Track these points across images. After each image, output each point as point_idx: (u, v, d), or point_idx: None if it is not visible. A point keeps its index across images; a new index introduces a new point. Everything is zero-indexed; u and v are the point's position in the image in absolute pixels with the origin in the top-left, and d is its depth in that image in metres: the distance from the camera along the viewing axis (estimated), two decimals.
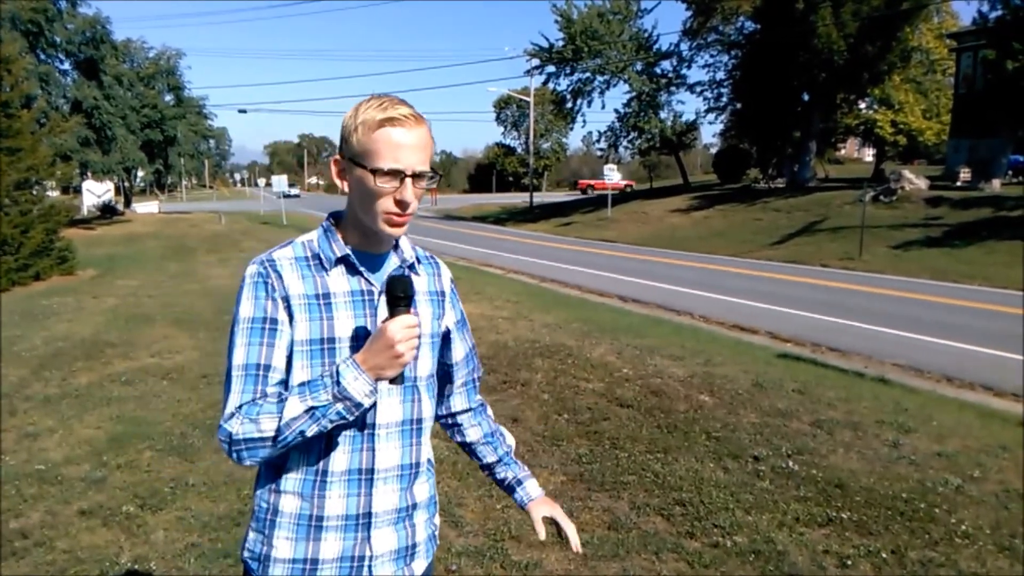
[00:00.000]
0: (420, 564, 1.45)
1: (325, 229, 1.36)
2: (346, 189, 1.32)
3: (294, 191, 71.04)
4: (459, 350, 1.54)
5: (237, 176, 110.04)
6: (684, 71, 42.30)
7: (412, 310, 1.30)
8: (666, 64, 35.30)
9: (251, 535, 1.39)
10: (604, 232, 26.39)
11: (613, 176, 30.95)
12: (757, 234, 21.52)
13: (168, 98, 40.57)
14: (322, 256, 1.33)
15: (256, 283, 1.30)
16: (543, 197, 48.46)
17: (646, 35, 34.51)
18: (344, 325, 1.30)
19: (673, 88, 35.58)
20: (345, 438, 1.32)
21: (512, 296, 10.80)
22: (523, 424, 5.00)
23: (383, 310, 1.29)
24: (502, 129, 79.72)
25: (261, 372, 1.27)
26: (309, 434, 1.23)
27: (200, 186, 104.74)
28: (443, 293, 1.48)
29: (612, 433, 4.78)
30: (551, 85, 37.47)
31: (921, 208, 20.53)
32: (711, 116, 38.63)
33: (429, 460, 1.49)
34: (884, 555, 3.22)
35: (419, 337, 1.28)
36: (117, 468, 4.19)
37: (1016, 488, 3.92)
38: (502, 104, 74.38)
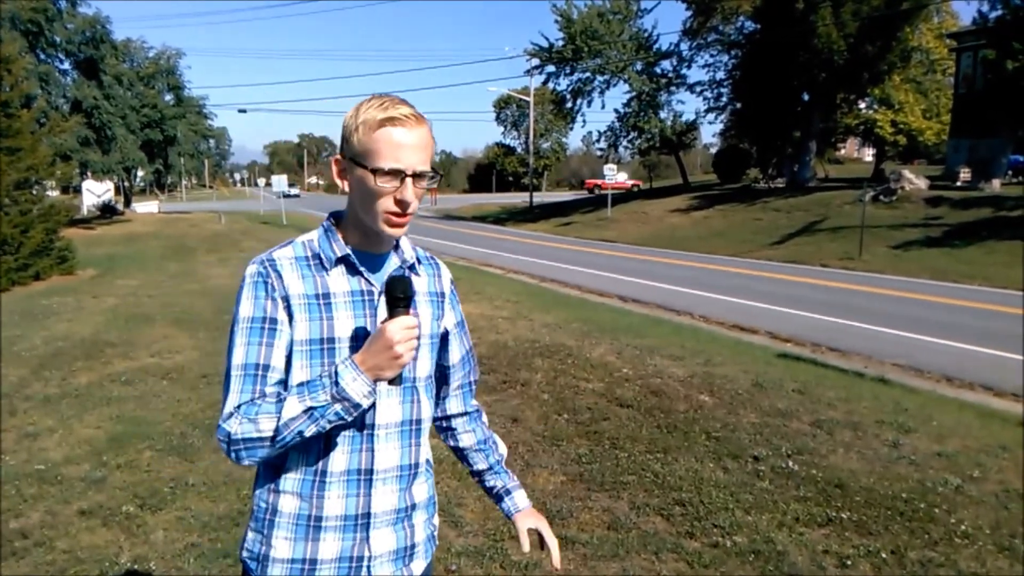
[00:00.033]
0: (419, 564, 1.45)
1: (326, 229, 1.36)
2: (347, 189, 1.31)
3: (294, 191, 71.04)
4: (456, 352, 1.54)
5: (237, 176, 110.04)
6: (684, 71, 42.41)
7: (412, 311, 1.30)
8: (666, 64, 35.37)
9: (250, 535, 1.39)
10: (604, 232, 26.39)
11: (619, 176, 31.00)
12: (757, 234, 21.52)
13: (168, 98, 40.55)
14: (322, 256, 1.33)
15: (256, 283, 1.30)
16: (543, 197, 48.47)
17: (646, 35, 34.54)
18: (344, 325, 1.30)
19: (673, 88, 35.62)
20: (344, 438, 1.31)
21: (512, 296, 10.80)
22: (523, 424, 5.00)
23: (383, 310, 1.29)
24: (502, 129, 79.89)
25: (260, 372, 1.27)
26: (308, 434, 1.23)
27: (200, 186, 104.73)
28: (443, 294, 1.48)
29: (612, 433, 4.78)
30: (551, 85, 37.53)
31: (921, 208, 20.54)
32: (711, 116, 38.73)
33: (428, 461, 1.49)
34: (884, 555, 3.22)
35: (418, 338, 1.28)
36: (117, 468, 4.19)
37: (1016, 488, 3.93)
38: (502, 104, 74.38)
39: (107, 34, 31.14)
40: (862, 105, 33.53)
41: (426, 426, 1.44)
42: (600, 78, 34.68)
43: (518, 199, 49.52)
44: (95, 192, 39.89)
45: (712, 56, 33.96)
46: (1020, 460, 4.34)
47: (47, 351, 7.18)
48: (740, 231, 22.49)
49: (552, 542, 1.55)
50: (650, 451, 4.47)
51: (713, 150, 51.96)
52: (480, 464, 1.60)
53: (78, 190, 38.19)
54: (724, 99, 33.92)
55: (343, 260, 1.33)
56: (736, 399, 5.54)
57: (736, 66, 32.09)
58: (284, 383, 1.29)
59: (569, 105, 36.66)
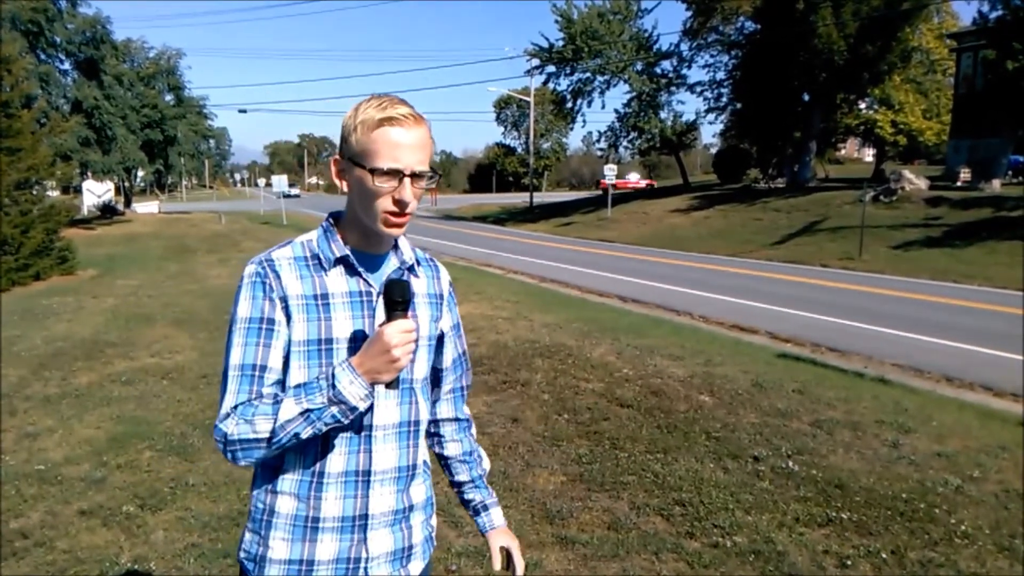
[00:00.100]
0: (417, 565, 1.45)
1: (325, 229, 1.36)
2: (345, 189, 1.31)
3: (294, 191, 71.10)
4: (449, 354, 1.53)
5: (237, 176, 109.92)
6: (684, 71, 42.34)
7: (410, 313, 1.30)
8: (666, 64, 35.33)
9: (247, 536, 1.39)
10: (604, 232, 26.39)
11: (631, 176, 31.05)
12: (757, 234, 21.52)
13: (168, 98, 40.51)
14: (321, 256, 1.33)
15: (254, 283, 1.30)
16: (543, 197, 48.46)
17: (646, 35, 34.51)
18: (342, 326, 1.30)
19: (673, 88, 35.58)
20: (342, 440, 1.31)
21: (512, 296, 10.80)
22: (523, 424, 5.00)
23: (381, 311, 1.28)
24: (502, 129, 79.98)
25: (257, 372, 1.27)
26: (304, 436, 1.23)
27: (200, 186, 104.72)
28: (441, 296, 1.48)
29: (612, 433, 4.78)
30: (551, 85, 37.49)
31: (921, 208, 20.54)
32: (711, 116, 38.73)
33: (425, 462, 1.49)
34: (884, 555, 3.22)
35: (416, 341, 1.28)
36: (117, 468, 4.19)
37: (1016, 488, 3.93)
38: (502, 104, 74.44)
39: (107, 34, 31.15)
40: (862, 105, 33.54)
41: (423, 427, 1.45)
42: (600, 78, 34.67)
43: (518, 199, 49.53)
44: (95, 192, 39.93)
45: (712, 56, 33.98)
46: (1020, 460, 4.34)
47: (47, 351, 7.19)
48: (740, 231, 22.49)
49: (519, 564, 1.55)
50: (650, 451, 4.47)
51: (713, 150, 52.04)
52: (462, 476, 1.59)
53: (78, 190, 38.20)
54: (724, 99, 33.93)
55: (342, 260, 1.33)
56: (736, 399, 5.54)
57: (736, 66, 32.08)
58: (282, 384, 1.29)
59: (569, 105, 36.66)
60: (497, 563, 1.54)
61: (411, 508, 1.42)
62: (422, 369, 1.42)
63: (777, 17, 26.20)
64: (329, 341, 1.29)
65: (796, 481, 4.01)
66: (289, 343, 1.29)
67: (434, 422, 1.57)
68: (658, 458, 4.36)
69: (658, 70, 35.32)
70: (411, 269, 1.41)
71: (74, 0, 29.51)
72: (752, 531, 3.44)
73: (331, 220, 1.38)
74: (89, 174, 34.71)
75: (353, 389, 1.21)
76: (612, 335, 7.87)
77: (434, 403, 1.55)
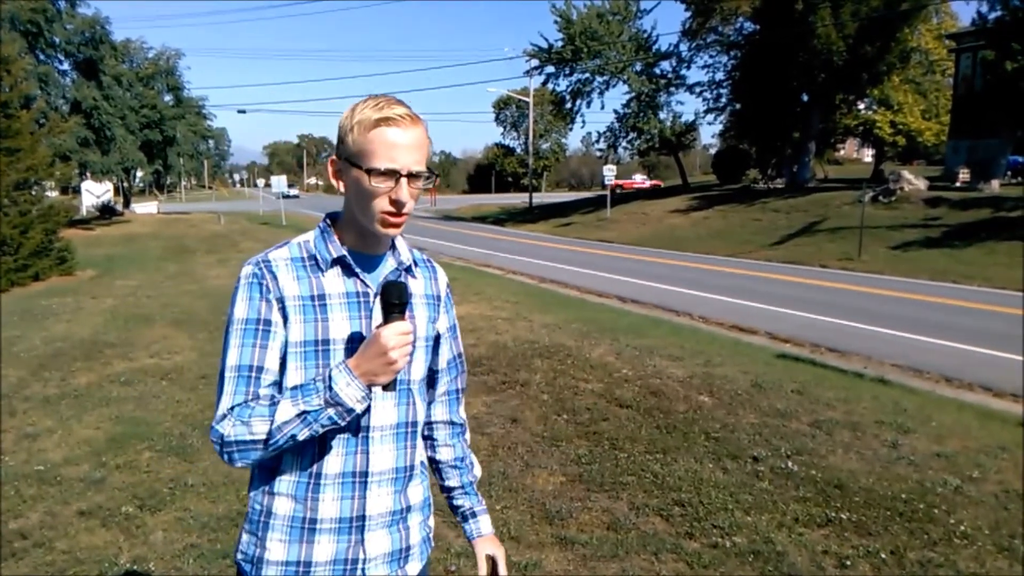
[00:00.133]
0: (414, 566, 1.44)
1: (322, 230, 1.36)
2: (342, 189, 1.31)
3: (293, 191, 71.08)
4: (444, 355, 1.52)
5: (236, 176, 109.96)
6: (683, 72, 42.26)
7: (408, 314, 1.30)
8: (665, 65, 35.35)
9: (244, 537, 1.39)
10: (603, 232, 26.40)
11: (637, 176, 31.11)
12: (756, 234, 21.53)
13: (167, 98, 40.50)
14: (318, 257, 1.33)
15: (251, 284, 1.30)
16: (542, 198, 48.47)
17: (645, 36, 34.52)
18: (339, 327, 1.30)
19: (672, 89, 35.59)
20: (339, 441, 1.31)
21: (511, 296, 10.80)
22: (522, 425, 5.00)
23: (378, 312, 1.28)
24: (501, 129, 79.92)
25: (254, 374, 1.27)
26: (300, 438, 1.23)
27: (199, 186, 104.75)
28: (439, 297, 1.48)
29: (611, 433, 4.78)
30: (550, 86, 37.49)
31: (920, 209, 20.54)
32: (710, 117, 38.65)
33: (422, 463, 1.49)
34: (883, 555, 3.22)
35: (413, 342, 1.28)
36: (116, 469, 4.19)
37: (1015, 489, 3.93)
38: (501, 104, 74.44)
39: (106, 35, 31.13)
40: (861, 106, 33.56)
41: (421, 428, 1.44)
42: (599, 79, 34.67)
43: (517, 200, 49.53)
44: (94, 193, 39.91)
45: (711, 57, 33.98)
46: (1019, 461, 4.35)
47: (46, 352, 7.18)
48: (739, 231, 22.49)
49: (504, 574, 1.55)
50: (649, 451, 4.48)
51: (712, 151, 52.05)
52: (452, 481, 1.57)
53: (77, 191, 38.19)
54: (723, 100, 33.93)
55: (339, 261, 1.32)
56: (735, 399, 5.54)
57: (735, 67, 32.09)
58: (278, 385, 1.29)
59: (568, 106, 36.65)
60: (483, 570, 1.54)
61: (408, 509, 1.42)
62: (419, 370, 1.41)
63: (776, 18, 26.21)
64: (326, 342, 1.29)
65: (795, 481, 4.01)
66: (286, 344, 1.29)
67: (428, 424, 1.56)
68: (657, 458, 4.36)
69: (657, 71, 35.35)
70: (408, 270, 1.41)
71: (73, 1, 29.51)
72: (751, 531, 3.44)
73: (328, 221, 1.38)
74: (88, 174, 34.70)
75: (350, 391, 1.21)
76: (611, 335, 7.88)
77: (429, 404, 1.55)
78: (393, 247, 1.40)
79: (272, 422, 1.22)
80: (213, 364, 6.40)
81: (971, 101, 26.12)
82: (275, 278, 1.29)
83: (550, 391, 5.74)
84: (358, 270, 1.33)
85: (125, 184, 45.02)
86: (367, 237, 1.33)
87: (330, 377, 1.22)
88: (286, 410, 1.22)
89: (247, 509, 1.39)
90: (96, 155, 31.22)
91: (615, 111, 40.92)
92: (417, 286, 1.42)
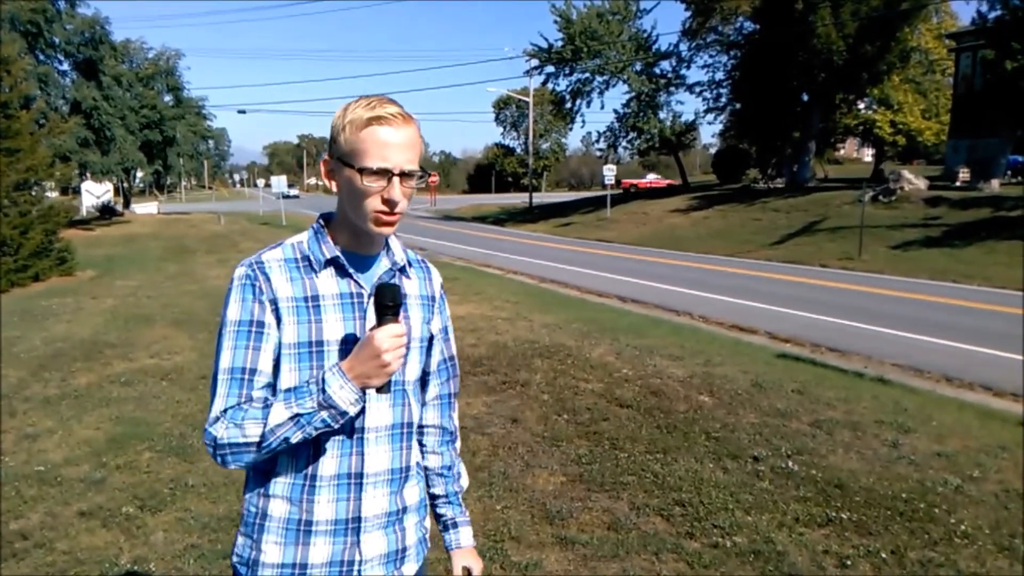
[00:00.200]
0: (411, 567, 1.44)
1: (316, 231, 1.35)
2: (335, 189, 1.31)
3: (293, 192, 71.04)
4: (436, 357, 1.51)
5: (236, 177, 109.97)
6: (683, 71, 42.35)
7: (403, 314, 1.29)
8: (665, 64, 35.35)
9: (240, 540, 1.39)
10: (603, 232, 26.39)
11: (650, 175, 31.16)
12: (756, 234, 21.52)
13: (167, 99, 40.52)
14: (311, 258, 1.32)
15: (244, 285, 1.29)
16: (543, 197, 48.47)
17: (645, 35, 34.51)
18: (333, 328, 1.29)
19: (672, 88, 35.59)
20: (334, 443, 1.31)
21: (511, 296, 10.80)
22: (523, 425, 5.00)
23: (372, 313, 1.27)
24: (501, 129, 79.88)
25: (247, 376, 1.27)
26: (294, 440, 1.23)
27: (199, 187, 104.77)
28: (433, 298, 1.47)
29: (612, 433, 4.78)
30: (550, 85, 37.49)
31: (920, 208, 20.54)
32: (710, 116, 38.68)
33: (418, 464, 1.48)
34: (884, 555, 3.22)
35: (408, 344, 1.28)
36: (116, 469, 4.19)
37: (1015, 488, 3.93)
38: (501, 104, 74.42)
39: (106, 35, 31.14)
40: (861, 105, 33.57)
41: (416, 429, 1.44)
42: (599, 78, 34.67)
43: (517, 200, 49.54)
44: (94, 193, 39.94)
45: (711, 56, 33.98)
46: (1020, 460, 4.35)
47: (46, 352, 7.18)
48: (739, 231, 22.49)
49: None
50: (650, 451, 4.47)
51: (712, 150, 52.07)
52: (437, 489, 1.54)
53: (77, 191, 38.20)
54: (723, 99, 33.93)
55: (332, 262, 1.32)
56: (736, 399, 5.54)
57: (735, 66, 32.09)
58: (272, 387, 1.29)
59: (568, 105, 36.65)
60: None
61: (404, 510, 1.42)
62: (414, 371, 1.41)
63: (776, 17, 26.20)
64: (320, 343, 1.28)
65: (796, 481, 4.01)
66: (279, 346, 1.28)
67: (419, 428, 1.54)
68: (658, 458, 4.36)
69: (657, 70, 35.35)
70: (403, 270, 1.40)
71: (73, 1, 29.51)
72: (752, 531, 3.44)
73: (321, 221, 1.37)
74: (88, 175, 34.71)
75: (343, 394, 1.21)
76: (611, 335, 7.88)
77: (421, 407, 1.53)
78: (387, 247, 1.39)
79: (265, 425, 1.21)
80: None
81: (971, 100, 26.12)
82: (268, 279, 1.29)
83: (550, 391, 5.74)
84: (352, 271, 1.32)
85: (125, 184, 45.04)
86: (360, 237, 1.32)
87: (323, 380, 1.21)
88: (279, 413, 1.21)
89: (242, 512, 1.39)
90: (96, 155, 31.24)
91: (615, 111, 41.01)
92: (411, 286, 1.42)
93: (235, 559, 1.38)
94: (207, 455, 4.05)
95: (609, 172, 31.48)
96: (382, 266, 1.37)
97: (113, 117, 31.48)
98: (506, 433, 4.83)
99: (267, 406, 1.23)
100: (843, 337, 8.54)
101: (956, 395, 6.22)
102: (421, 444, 1.55)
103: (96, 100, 30.38)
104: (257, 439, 1.22)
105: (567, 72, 34.94)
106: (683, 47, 34.05)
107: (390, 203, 1.25)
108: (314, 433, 1.23)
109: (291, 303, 1.28)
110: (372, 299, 1.27)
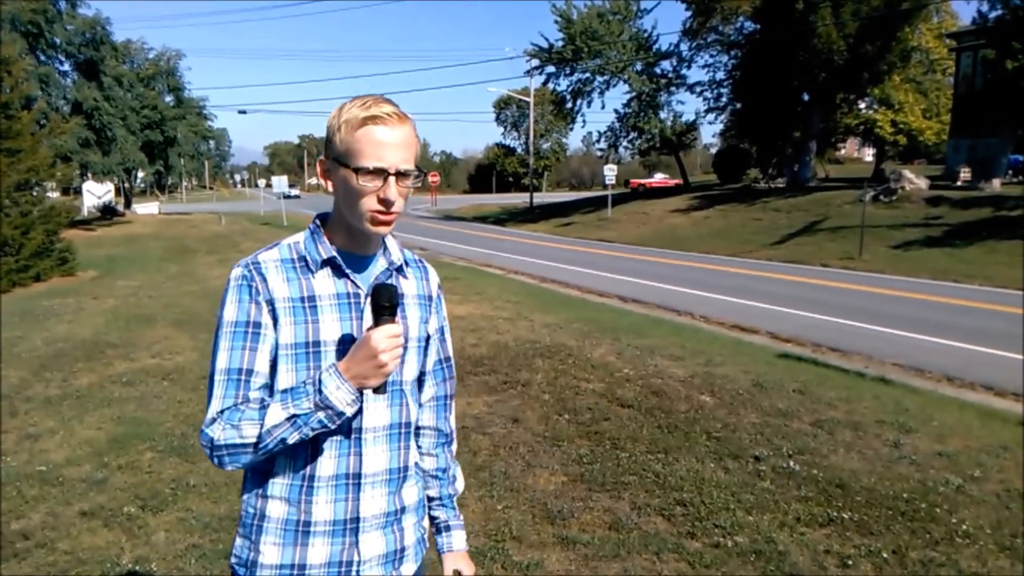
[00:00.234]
0: (409, 567, 1.44)
1: (312, 231, 1.35)
2: (331, 189, 1.31)
3: (294, 192, 71.10)
4: (432, 357, 1.50)
5: (237, 177, 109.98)
6: (684, 71, 42.36)
7: (400, 313, 1.29)
8: (666, 64, 35.36)
9: (238, 541, 1.38)
10: (604, 232, 26.39)
11: (658, 175, 31.19)
12: (757, 234, 21.52)
13: (168, 99, 40.53)
14: (308, 258, 1.32)
15: (240, 286, 1.30)
16: (543, 197, 48.46)
17: (646, 35, 34.52)
18: (329, 329, 1.29)
19: (673, 88, 35.60)
20: (332, 443, 1.30)
21: (512, 296, 10.80)
22: (523, 424, 5.00)
23: (369, 313, 1.27)
24: (502, 129, 79.94)
25: (243, 377, 1.27)
26: (291, 441, 1.23)
27: (200, 187, 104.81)
28: (430, 297, 1.47)
29: (613, 433, 4.78)
30: (551, 85, 37.50)
31: (921, 208, 20.53)
32: (711, 116, 38.79)
33: (417, 464, 1.48)
34: (885, 555, 3.22)
35: (405, 344, 1.27)
36: (118, 469, 4.19)
37: (1017, 488, 3.93)
38: (502, 104, 74.44)
39: (107, 35, 31.16)
40: (862, 105, 33.56)
41: (414, 429, 1.44)
42: (600, 78, 34.68)
43: (518, 200, 49.54)
44: (95, 193, 39.97)
45: (712, 56, 33.99)
46: (1021, 460, 4.34)
47: (48, 352, 7.19)
48: (740, 231, 22.49)
49: None
50: (651, 451, 4.47)
51: (713, 150, 52.10)
52: (432, 491, 1.53)
53: (78, 191, 38.23)
54: (724, 99, 33.94)
55: (329, 262, 1.32)
56: (737, 399, 5.54)
57: (736, 66, 32.09)
58: (269, 387, 1.29)
59: (569, 105, 36.67)
60: None
61: (403, 510, 1.41)
62: (412, 371, 1.41)
63: (776, 17, 26.20)
64: (317, 344, 1.28)
65: (797, 481, 4.01)
66: (276, 346, 1.28)
67: (416, 429, 1.53)
68: (659, 458, 4.36)
69: (658, 70, 35.36)
70: (400, 270, 1.40)
71: (74, 1, 29.53)
72: (753, 531, 3.44)
73: (318, 222, 1.37)
74: (89, 175, 34.74)
75: (340, 395, 1.21)
76: (612, 335, 7.88)
77: (418, 408, 1.52)
78: (384, 247, 1.39)
79: (262, 426, 1.21)
80: None
81: (972, 100, 26.11)
82: (265, 280, 1.29)
83: (551, 391, 5.74)
84: (348, 271, 1.32)
85: (126, 185, 45.06)
86: (357, 237, 1.32)
87: (320, 380, 1.21)
88: (276, 414, 1.21)
89: (240, 513, 1.38)
90: (97, 156, 31.25)
91: (616, 111, 41.00)
92: (409, 286, 1.41)
93: (234, 560, 1.38)
94: None
95: (610, 172, 31.48)
96: (379, 266, 1.37)
97: (114, 117, 31.49)
98: (507, 433, 4.83)
99: (264, 407, 1.23)
100: (844, 337, 8.54)
101: (957, 395, 6.22)
102: (417, 445, 1.54)
103: (97, 100, 30.39)
104: (254, 440, 1.21)
105: (568, 72, 34.96)
106: (684, 47, 34.12)
107: (386, 203, 1.25)
108: (311, 434, 1.23)
109: (288, 303, 1.28)
110: (369, 299, 1.27)
